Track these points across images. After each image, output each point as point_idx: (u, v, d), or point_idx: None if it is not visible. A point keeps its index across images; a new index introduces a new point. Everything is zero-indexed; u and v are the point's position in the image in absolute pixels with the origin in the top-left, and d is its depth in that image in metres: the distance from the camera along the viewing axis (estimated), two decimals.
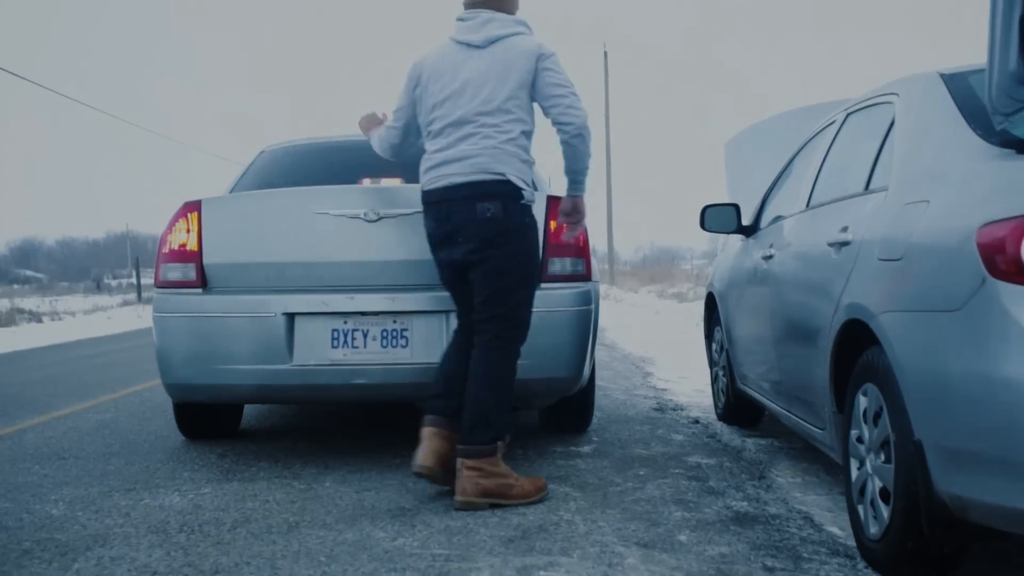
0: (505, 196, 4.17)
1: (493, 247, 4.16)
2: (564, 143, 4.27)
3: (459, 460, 4.08)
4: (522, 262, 4.24)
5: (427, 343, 4.68)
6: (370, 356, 4.68)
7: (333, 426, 6.10)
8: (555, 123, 4.26)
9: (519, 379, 4.44)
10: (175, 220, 4.94)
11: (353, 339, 4.70)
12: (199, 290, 4.84)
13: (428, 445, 4.16)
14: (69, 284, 72.73)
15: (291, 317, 4.69)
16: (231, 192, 5.63)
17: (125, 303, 34.36)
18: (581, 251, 4.90)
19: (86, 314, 27.54)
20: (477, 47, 4.27)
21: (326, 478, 4.58)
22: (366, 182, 5.39)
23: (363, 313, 4.69)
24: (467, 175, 4.16)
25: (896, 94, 3.72)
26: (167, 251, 4.93)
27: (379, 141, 4.81)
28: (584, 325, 4.85)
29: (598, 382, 6.77)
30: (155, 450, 5.39)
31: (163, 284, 4.92)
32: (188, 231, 4.89)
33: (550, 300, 4.71)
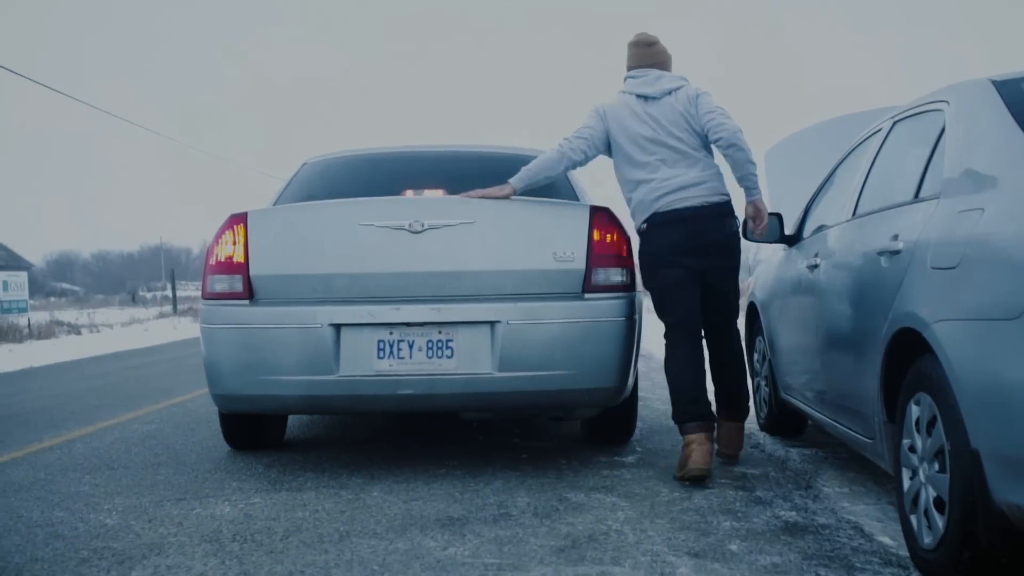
0: (735, 215, 5.00)
1: (733, 257, 5.01)
2: (725, 156, 4.88)
3: (731, 424, 5.11)
4: (739, 268, 5.13)
5: (472, 354, 4.71)
6: (416, 367, 4.72)
7: (376, 436, 6.13)
8: (712, 140, 4.89)
9: (564, 389, 4.68)
10: (221, 232, 5.00)
11: (399, 350, 4.74)
12: (246, 302, 4.89)
13: (702, 450, 4.60)
14: (105, 297, 73.41)
15: (337, 328, 4.73)
16: (275, 204, 5.68)
17: (161, 315, 34.66)
18: (625, 261, 4.95)
19: (123, 326, 27.79)
20: (655, 98, 4.99)
21: (373, 488, 4.60)
22: (409, 194, 5.45)
23: (408, 324, 4.73)
24: (708, 196, 4.86)
25: (946, 101, 3.70)
26: (214, 263, 4.99)
27: (558, 152, 5.10)
28: (628, 335, 4.88)
29: (640, 392, 6.71)
30: (202, 460, 5.44)
31: (210, 296, 4.99)
32: (235, 243, 4.96)
33: (594, 310, 4.80)
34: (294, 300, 4.87)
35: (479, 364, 4.70)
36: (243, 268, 4.91)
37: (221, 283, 4.96)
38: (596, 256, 4.86)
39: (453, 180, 5.68)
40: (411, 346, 4.74)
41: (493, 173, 5.65)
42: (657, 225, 4.89)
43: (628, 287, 4.94)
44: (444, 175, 5.90)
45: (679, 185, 4.85)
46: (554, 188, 5.60)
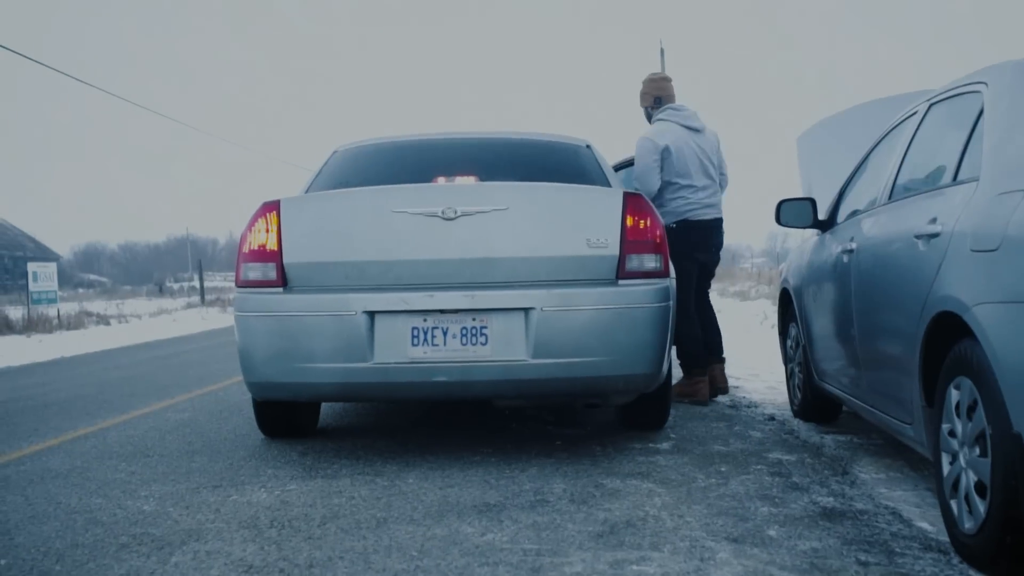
0: None
1: (721, 251, 7.35)
2: (721, 184, 7.19)
3: (718, 366, 7.14)
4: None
5: (507, 340, 4.70)
6: (450, 354, 4.71)
7: (410, 423, 6.15)
8: (721, 174, 7.21)
9: (598, 376, 4.74)
10: (254, 220, 5.00)
11: (433, 337, 4.73)
12: (280, 289, 4.89)
13: (705, 386, 6.83)
14: (132, 288, 73.83)
15: (372, 315, 4.72)
16: (307, 192, 5.66)
17: (189, 305, 34.84)
18: (659, 247, 4.93)
19: (152, 316, 27.96)
20: (699, 130, 6.92)
21: (408, 474, 4.61)
22: (441, 180, 5.46)
23: (442, 311, 4.72)
24: (719, 213, 7.01)
25: (984, 83, 3.67)
26: (247, 251, 4.99)
27: (649, 179, 6.76)
28: (662, 321, 4.86)
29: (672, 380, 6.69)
30: (236, 448, 5.47)
31: (244, 284, 4.99)
32: (268, 231, 4.95)
33: (629, 297, 4.79)
34: (328, 287, 4.86)
35: (513, 351, 4.69)
36: (276, 256, 4.91)
37: (255, 271, 4.96)
38: (630, 242, 4.85)
39: (485, 166, 5.79)
40: (445, 333, 4.73)
41: (525, 160, 6.01)
42: (685, 229, 6.72)
43: (662, 273, 4.92)
44: (476, 162, 5.95)
45: (707, 203, 6.84)
46: (586, 174, 5.69)
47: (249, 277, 4.97)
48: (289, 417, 5.64)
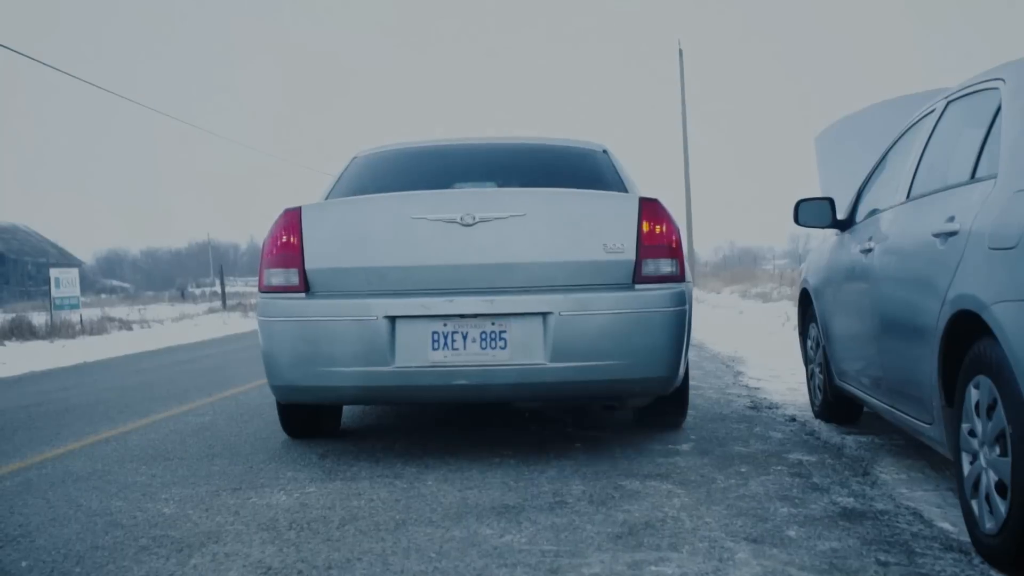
0: None
1: None
2: None
3: None
4: None
5: (525, 345, 4.76)
6: (470, 358, 4.76)
7: (429, 427, 6.15)
8: None
9: (616, 379, 4.81)
10: (276, 226, 5.07)
11: (453, 341, 4.77)
12: (302, 295, 4.96)
13: None
14: (154, 293, 74.15)
15: (392, 320, 4.78)
16: (327, 198, 5.72)
17: (211, 311, 34.95)
18: (674, 252, 4.98)
19: (174, 322, 28.06)
20: None
21: (427, 477, 4.62)
22: (459, 186, 5.52)
23: (462, 316, 4.77)
24: None
25: (1002, 79, 3.64)
26: (269, 257, 5.06)
27: None
28: (679, 325, 4.90)
29: (690, 381, 6.76)
30: (256, 451, 5.49)
31: (267, 289, 5.05)
32: (290, 237, 5.01)
33: (645, 301, 4.84)
34: (349, 293, 4.92)
35: (532, 355, 4.74)
36: (298, 262, 4.98)
37: (277, 277, 5.03)
38: (645, 247, 4.90)
39: (502, 172, 5.94)
40: (465, 337, 4.78)
41: (542, 165, 6.10)
42: None
43: (678, 278, 4.95)
44: (493, 167, 6.08)
45: None
46: (602, 179, 5.75)
47: (272, 283, 5.04)
48: (312, 419, 5.73)
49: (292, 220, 5.03)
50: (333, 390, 4.94)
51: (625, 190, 5.64)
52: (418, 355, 4.77)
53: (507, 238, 4.87)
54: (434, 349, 4.76)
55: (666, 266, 4.93)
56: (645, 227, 4.92)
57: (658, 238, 4.93)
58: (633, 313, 4.79)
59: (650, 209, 4.97)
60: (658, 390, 5.02)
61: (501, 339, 4.77)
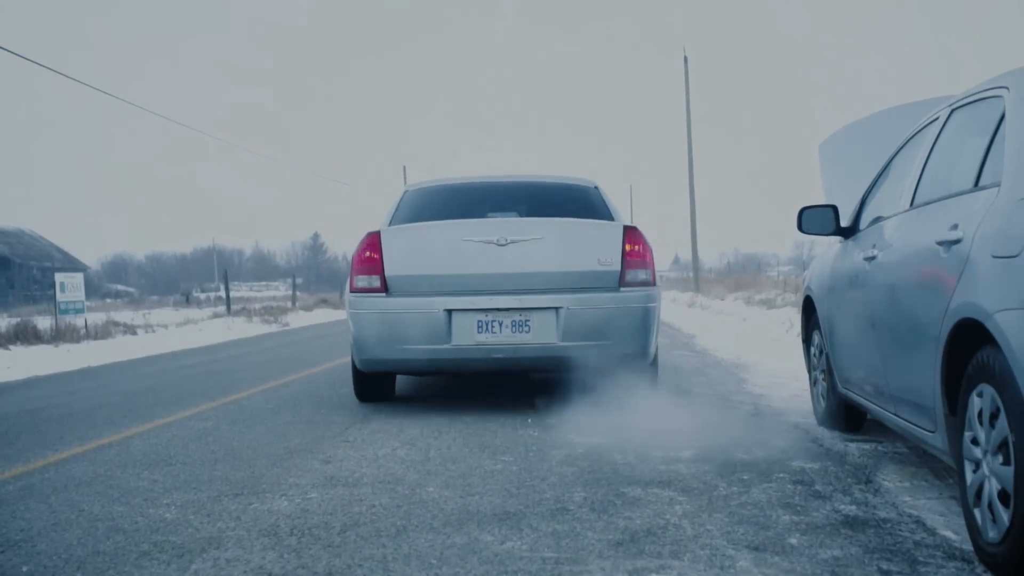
0: None
1: None
2: None
3: None
4: None
5: (543, 329, 6.74)
6: (504, 339, 6.72)
7: (431, 433, 6.15)
8: None
9: (606, 354, 6.66)
10: (363, 245, 7.01)
11: (492, 327, 6.74)
12: (383, 294, 6.88)
13: None
14: (159, 298, 74.04)
15: (449, 312, 6.73)
16: (390, 223, 7.58)
17: (215, 316, 34.93)
18: (648, 264, 6.98)
19: (178, 327, 28.03)
20: None
21: (429, 484, 4.62)
22: (492, 215, 7.67)
23: (498, 309, 6.73)
24: None
25: (1006, 87, 3.64)
26: (358, 266, 6.98)
27: None
28: (651, 316, 6.89)
29: (693, 388, 7.59)
30: (258, 457, 5.48)
31: (356, 290, 6.97)
32: (372, 252, 6.96)
33: (627, 299, 6.83)
34: (418, 293, 6.84)
35: (548, 337, 6.72)
36: (379, 270, 6.92)
37: (363, 281, 6.96)
38: (628, 261, 6.87)
39: (521, 203, 8.12)
40: (500, 324, 6.74)
41: (550, 198, 8.11)
42: None
43: (650, 283, 6.93)
44: (514, 199, 8.24)
45: None
46: (594, 209, 7.71)
47: (359, 285, 6.96)
48: (376, 387, 7.63)
49: (374, 240, 6.99)
50: (407, 362, 6.91)
51: (612, 218, 7.54)
52: (468, 337, 6.72)
53: (530, 254, 6.82)
54: (479, 333, 6.73)
55: (642, 275, 6.89)
56: (627, 247, 6.89)
57: (636, 255, 6.90)
58: (618, 308, 6.77)
59: (631, 234, 6.98)
60: (636, 362, 6.88)
61: (526, 326, 6.74)
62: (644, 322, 6.79)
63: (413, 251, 6.97)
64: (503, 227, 6.97)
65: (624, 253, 6.83)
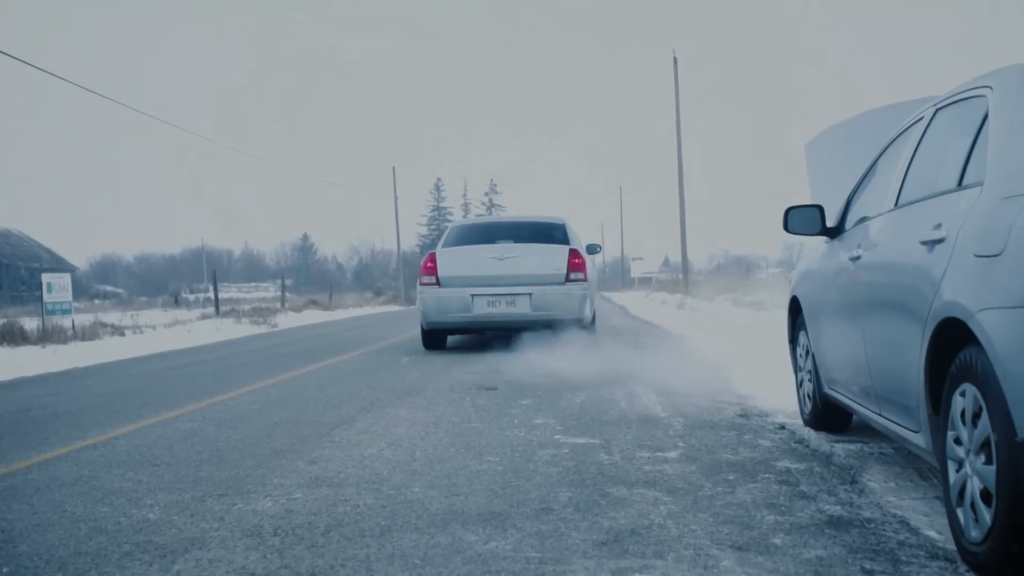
0: None
1: None
2: None
3: None
4: None
5: (523, 306, 12.73)
6: (502, 311, 12.75)
7: (417, 432, 6.14)
8: None
9: (559, 319, 12.80)
10: (426, 258, 13.12)
11: (495, 304, 12.72)
12: (438, 286, 12.89)
13: None
14: (148, 299, 73.79)
15: (472, 296, 12.70)
16: (442, 246, 13.61)
17: (204, 317, 34.82)
18: (581, 269, 12.77)
19: (166, 327, 27.95)
20: None
21: (414, 484, 4.61)
22: (499, 242, 13.37)
23: (498, 295, 12.66)
24: None
25: (989, 87, 3.64)
26: (424, 271, 12.98)
27: None
28: (586, 298, 12.91)
29: (680, 388, 7.44)
30: (244, 457, 5.47)
31: (423, 284, 12.92)
32: (431, 263, 13.01)
33: (570, 288, 12.75)
34: (456, 285, 12.74)
35: (525, 309, 12.68)
36: (435, 272, 12.90)
37: (427, 279, 12.91)
38: (569, 267, 12.66)
39: (516, 234, 13.72)
40: (499, 303, 12.69)
41: (534, 230, 13.87)
42: None
43: (583, 280, 12.82)
44: (513, 232, 13.87)
45: None
46: (559, 238, 13.44)
47: (424, 281, 12.92)
48: (436, 340, 13.75)
49: (433, 256, 13.07)
50: (450, 324, 13.07)
51: (567, 243, 13.28)
52: (482, 310, 12.70)
53: (517, 265, 12.72)
54: (488, 307, 12.67)
55: (578, 276, 12.76)
56: (571, 260, 12.66)
57: (575, 265, 12.71)
58: (564, 294, 12.70)
59: (573, 253, 12.81)
60: (578, 324, 12.85)
61: (514, 303, 12.68)
62: (580, 302, 12.84)
63: (454, 262, 13.01)
64: (503, 249, 13.05)
65: (568, 264, 12.82)
